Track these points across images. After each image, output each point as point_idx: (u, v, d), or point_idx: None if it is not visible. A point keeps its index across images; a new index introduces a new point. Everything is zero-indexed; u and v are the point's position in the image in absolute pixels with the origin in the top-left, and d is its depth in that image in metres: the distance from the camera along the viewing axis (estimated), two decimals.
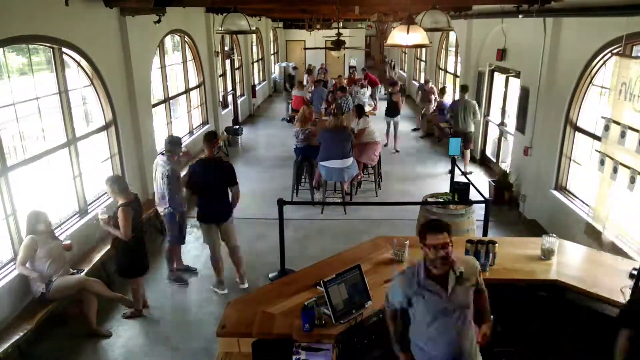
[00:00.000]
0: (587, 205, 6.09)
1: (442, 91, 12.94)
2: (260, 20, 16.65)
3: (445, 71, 14.44)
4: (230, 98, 13.49)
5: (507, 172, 8.44)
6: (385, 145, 11.41)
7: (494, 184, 8.30)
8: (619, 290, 3.66)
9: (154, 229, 7.11)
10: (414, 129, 13.92)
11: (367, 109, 13.43)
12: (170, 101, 9.14)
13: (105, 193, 6.53)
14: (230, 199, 5.62)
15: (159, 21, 7.23)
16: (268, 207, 7.55)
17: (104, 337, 4.82)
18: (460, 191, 6.24)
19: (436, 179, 9.39)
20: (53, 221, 5.53)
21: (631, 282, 3.71)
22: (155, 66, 8.23)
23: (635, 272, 3.80)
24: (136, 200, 4.99)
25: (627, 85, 4.94)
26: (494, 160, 9.78)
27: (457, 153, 7.05)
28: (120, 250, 4.94)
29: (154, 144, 7.95)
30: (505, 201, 8.08)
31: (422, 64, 17.45)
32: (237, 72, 14.45)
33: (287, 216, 5.77)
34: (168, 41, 9.31)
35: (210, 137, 5.44)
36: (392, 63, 24.04)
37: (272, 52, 21.16)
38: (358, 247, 4.61)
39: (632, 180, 4.85)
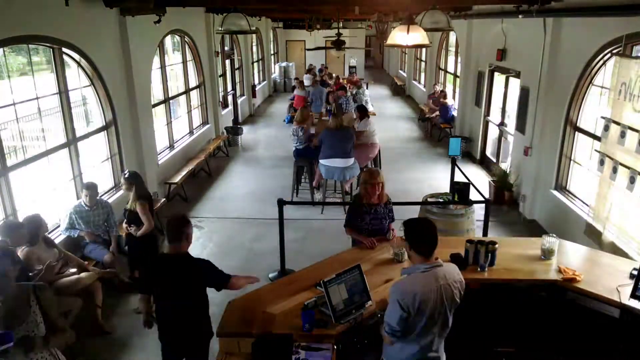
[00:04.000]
0: (587, 205, 6.09)
1: (444, 95, 12.91)
2: (260, 20, 16.64)
3: (445, 71, 14.45)
4: (230, 98, 13.49)
5: (507, 172, 8.44)
6: None
7: (494, 184, 8.30)
8: (616, 290, 3.66)
9: (155, 229, 7.10)
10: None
11: (370, 107, 13.50)
12: (170, 101, 9.14)
13: (107, 191, 6.58)
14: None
15: (159, 21, 7.22)
16: (268, 207, 7.56)
17: (106, 332, 4.83)
18: (460, 191, 6.24)
19: (436, 179, 9.39)
20: (53, 221, 5.56)
21: (632, 282, 3.71)
22: (155, 66, 8.23)
23: (635, 272, 3.80)
24: (149, 195, 5.19)
25: (627, 85, 4.94)
26: (494, 160, 9.78)
27: (457, 153, 7.04)
28: (134, 245, 5.01)
29: (154, 144, 7.96)
30: (505, 201, 8.08)
31: (422, 64, 17.46)
32: (237, 72, 14.45)
33: (287, 216, 5.76)
34: (168, 41, 9.31)
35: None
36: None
37: (272, 52, 21.16)
38: (358, 247, 4.60)
39: (632, 180, 4.85)
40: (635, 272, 3.78)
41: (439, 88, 14.02)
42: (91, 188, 5.42)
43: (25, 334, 2.67)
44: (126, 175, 5.19)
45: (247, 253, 6.58)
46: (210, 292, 5.55)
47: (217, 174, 9.95)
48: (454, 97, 12.96)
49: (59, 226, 5.59)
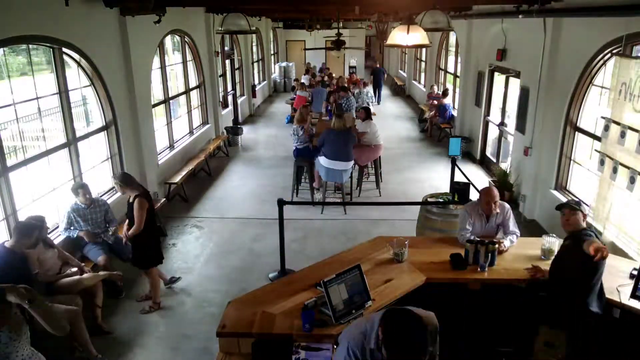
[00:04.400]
0: (587, 205, 6.09)
1: (445, 93, 12.90)
2: (260, 20, 16.64)
3: (446, 71, 14.45)
4: (230, 98, 13.49)
5: (507, 172, 8.44)
6: None
7: (494, 184, 8.30)
8: (616, 290, 3.66)
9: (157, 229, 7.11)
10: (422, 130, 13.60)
11: (371, 109, 13.48)
12: (170, 101, 9.14)
13: (107, 191, 6.58)
14: None
15: (159, 21, 7.22)
16: (268, 207, 7.56)
17: (106, 332, 4.84)
18: (460, 191, 6.24)
19: (436, 179, 9.39)
20: (53, 221, 5.56)
21: (632, 282, 3.71)
22: (155, 66, 8.22)
23: (635, 272, 3.80)
24: (147, 192, 5.16)
25: (627, 85, 4.94)
26: (494, 160, 9.78)
27: (457, 153, 7.05)
28: (136, 241, 5.03)
29: (154, 144, 7.96)
30: (505, 201, 8.05)
31: (422, 64, 17.47)
32: (237, 72, 14.45)
33: (287, 216, 5.76)
34: (168, 41, 9.31)
35: None
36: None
37: (272, 52, 21.15)
38: (358, 247, 4.61)
39: (632, 180, 4.85)
40: (635, 272, 3.78)
41: (436, 89, 13.99)
42: (84, 187, 5.42)
43: None
44: (115, 176, 5.25)
45: (247, 253, 6.58)
46: (210, 291, 5.60)
47: (217, 174, 9.95)
48: (454, 97, 12.96)
49: (58, 227, 5.60)
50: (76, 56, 5.94)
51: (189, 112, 10.24)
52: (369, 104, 13.71)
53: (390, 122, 14.83)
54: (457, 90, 12.39)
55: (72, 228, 5.37)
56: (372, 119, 8.89)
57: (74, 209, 5.36)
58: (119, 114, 6.74)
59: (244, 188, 9.18)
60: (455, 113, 12.33)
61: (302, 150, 8.34)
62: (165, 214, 7.48)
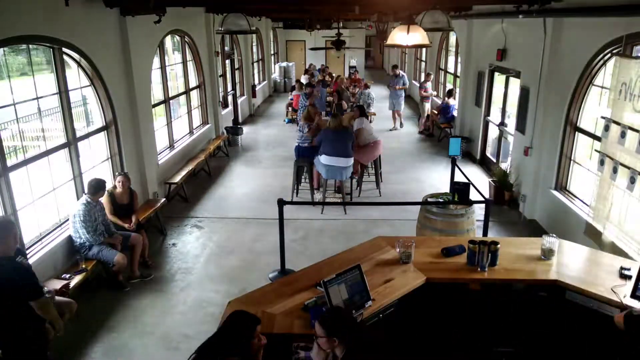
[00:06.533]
0: (587, 205, 6.09)
1: (450, 93, 12.85)
2: (260, 20, 16.64)
3: (446, 71, 14.44)
4: (230, 98, 13.49)
5: (507, 172, 8.44)
6: None
7: (494, 184, 8.30)
8: (611, 290, 3.66)
9: (155, 229, 7.12)
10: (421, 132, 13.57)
11: (372, 109, 13.51)
12: (170, 101, 9.14)
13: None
14: None
15: (159, 21, 7.22)
16: (268, 207, 7.56)
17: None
18: (460, 191, 6.24)
19: (436, 179, 9.39)
20: (53, 221, 5.57)
21: (624, 282, 3.71)
22: (155, 66, 8.22)
23: (626, 272, 3.81)
24: None
25: (627, 85, 4.94)
26: (494, 160, 9.78)
27: (457, 153, 7.05)
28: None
29: (154, 144, 7.96)
30: (505, 201, 8.08)
31: (422, 64, 17.46)
32: (237, 72, 14.45)
33: (287, 216, 5.76)
34: (168, 41, 9.31)
35: None
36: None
37: (272, 52, 21.15)
38: (358, 247, 4.60)
39: (632, 180, 4.85)
40: (626, 272, 3.79)
41: (429, 84, 13.93)
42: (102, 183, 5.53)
43: None
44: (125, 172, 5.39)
45: (247, 253, 6.58)
46: (210, 291, 5.60)
47: (217, 174, 9.95)
48: (454, 97, 12.94)
49: (58, 226, 5.60)
50: (76, 56, 5.94)
51: (189, 112, 10.24)
52: (369, 105, 13.70)
53: (390, 122, 14.81)
54: (457, 90, 12.39)
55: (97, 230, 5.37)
56: (367, 118, 8.91)
57: (89, 209, 5.34)
58: (119, 114, 6.74)
59: (244, 188, 9.18)
60: (455, 113, 12.33)
61: (303, 150, 8.34)
62: (165, 214, 7.48)
